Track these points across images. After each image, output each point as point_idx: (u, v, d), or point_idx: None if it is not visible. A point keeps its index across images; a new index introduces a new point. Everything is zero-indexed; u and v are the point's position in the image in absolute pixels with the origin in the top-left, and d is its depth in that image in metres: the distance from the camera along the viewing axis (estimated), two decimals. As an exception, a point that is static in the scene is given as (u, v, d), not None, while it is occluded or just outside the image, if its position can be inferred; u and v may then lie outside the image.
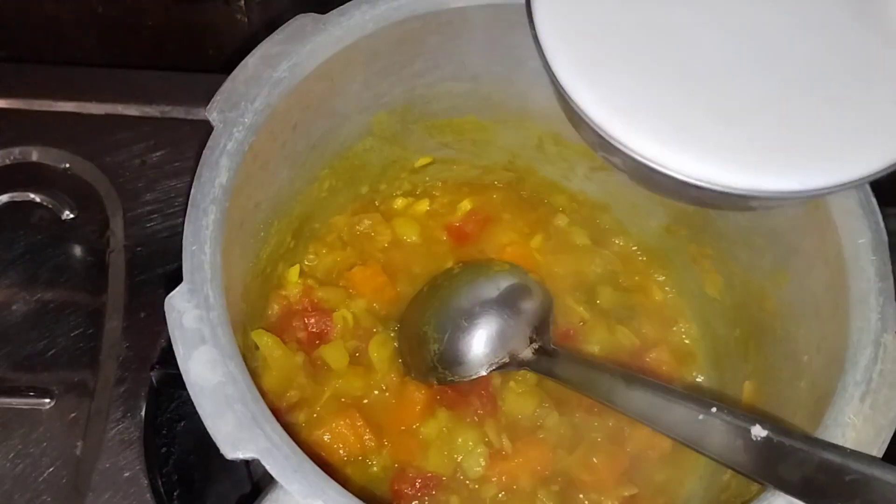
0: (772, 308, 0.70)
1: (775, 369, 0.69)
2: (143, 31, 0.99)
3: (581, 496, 0.73)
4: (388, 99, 0.74)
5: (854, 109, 0.53)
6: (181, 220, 0.58)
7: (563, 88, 0.55)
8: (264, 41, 0.64)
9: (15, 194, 0.89)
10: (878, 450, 0.54)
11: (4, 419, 0.78)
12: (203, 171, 0.59)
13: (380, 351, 0.75)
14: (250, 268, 0.70)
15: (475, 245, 0.83)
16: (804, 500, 0.51)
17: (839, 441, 0.54)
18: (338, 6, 0.66)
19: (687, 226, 0.79)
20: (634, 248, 0.84)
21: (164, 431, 0.79)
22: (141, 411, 0.78)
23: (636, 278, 0.84)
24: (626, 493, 0.73)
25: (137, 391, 0.79)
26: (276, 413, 0.69)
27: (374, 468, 0.72)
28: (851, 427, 0.55)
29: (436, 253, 0.82)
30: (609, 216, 0.85)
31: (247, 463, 0.53)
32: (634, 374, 0.65)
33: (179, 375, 0.53)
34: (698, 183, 0.51)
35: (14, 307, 0.84)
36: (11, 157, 0.90)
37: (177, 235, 0.58)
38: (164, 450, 0.78)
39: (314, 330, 0.75)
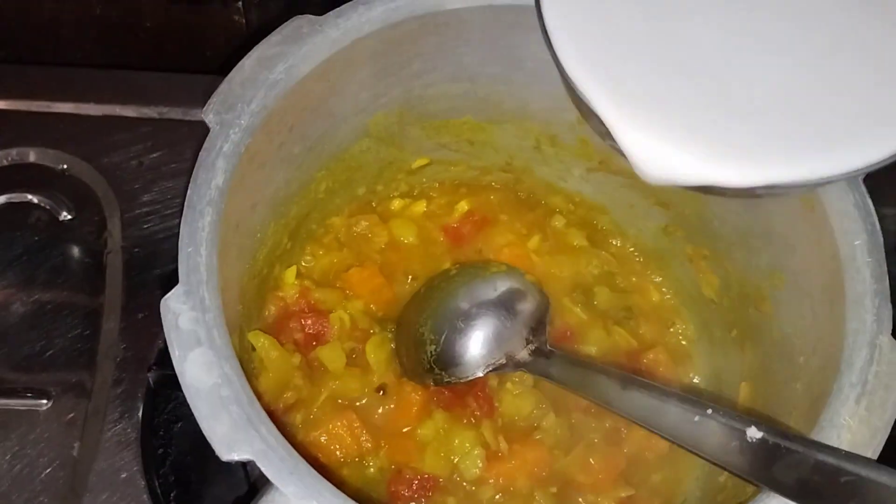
0: (768, 309, 0.70)
1: (771, 371, 0.70)
2: (141, 32, 0.98)
3: (578, 498, 0.73)
4: (386, 100, 0.74)
5: (863, 97, 0.52)
6: (179, 221, 0.58)
7: (574, 85, 0.54)
8: (260, 43, 0.64)
9: (12, 195, 0.88)
10: (873, 451, 0.54)
11: (2, 420, 0.78)
12: (199, 172, 0.59)
13: (377, 352, 0.75)
14: (247, 269, 0.70)
15: (472, 246, 0.83)
16: (799, 502, 0.51)
17: (834, 443, 0.54)
18: (335, 8, 0.66)
19: (684, 227, 0.79)
20: (631, 249, 0.85)
21: (161, 432, 0.79)
22: (138, 412, 0.78)
23: (633, 279, 0.84)
24: (623, 495, 0.73)
25: (135, 392, 0.79)
26: (273, 414, 0.69)
27: (371, 469, 0.72)
28: (847, 429, 0.55)
29: (433, 254, 0.82)
30: (606, 217, 0.85)
31: (244, 464, 0.53)
32: (630, 376, 0.65)
33: (176, 376, 0.53)
34: (718, 183, 0.51)
35: (11, 308, 0.84)
36: (9, 158, 0.90)
37: (174, 237, 0.58)
38: (160, 451, 0.78)
39: (311, 331, 0.75)
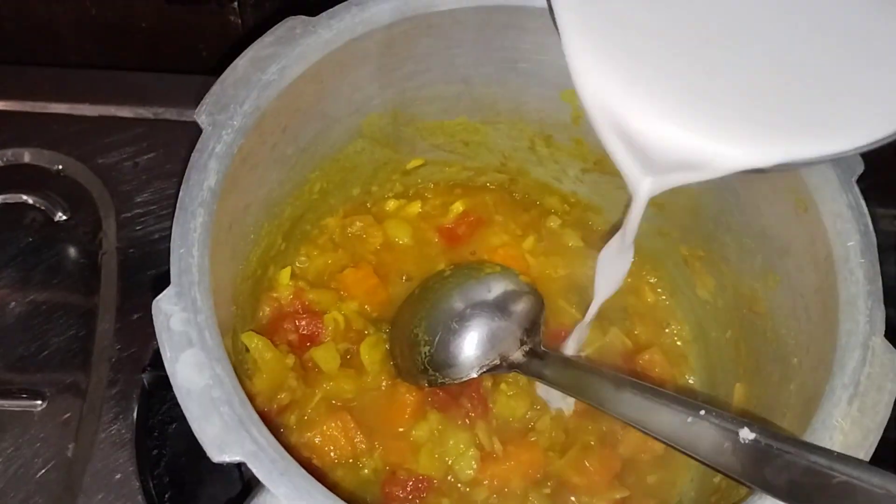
0: (762, 310, 0.70)
1: (765, 372, 0.69)
2: (136, 32, 0.99)
3: (572, 498, 0.72)
4: (379, 101, 0.74)
5: (863, 76, 0.52)
6: (173, 221, 0.58)
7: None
8: (253, 44, 0.64)
9: (7, 196, 0.89)
10: (865, 453, 0.54)
11: (-3, 421, 0.78)
12: (191, 173, 0.59)
13: (371, 353, 0.75)
14: (240, 270, 0.70)
15: (467, 247, 0.83)
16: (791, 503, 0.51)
17: (827, 444, 0.54)
18: (329, 9, 0.66)
19: (678, 228, 0.79)
20: (628, 250, 0.84)
21: (156, 433, 0.78)
22: (133, 413, 0.78)
23: (628, 280, 0.83)
24: (618, 496, 0.73)
25: (129, 393, 0.79)
26: (267, 415, 0.69)
27: (365, 471, 0.72)
28: (839, 430, 0.55)
29: (428, 255, 0.82)
30: (601, 218, 0.85)
31: (238, 465, 0.53)
32: (624, 377, 0.65)
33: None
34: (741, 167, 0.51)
35: (6, 309, 0.84)
36: (4, 159, 0.90)
37: (170, 237, 0.58)
38: (155, 451, 0.78)
39: (305, 332, 0.75)
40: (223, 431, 0.52)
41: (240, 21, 0.97)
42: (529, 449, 0.74)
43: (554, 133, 0.79)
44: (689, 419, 0.58)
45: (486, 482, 0.72)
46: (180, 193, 0.58)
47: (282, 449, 0.53)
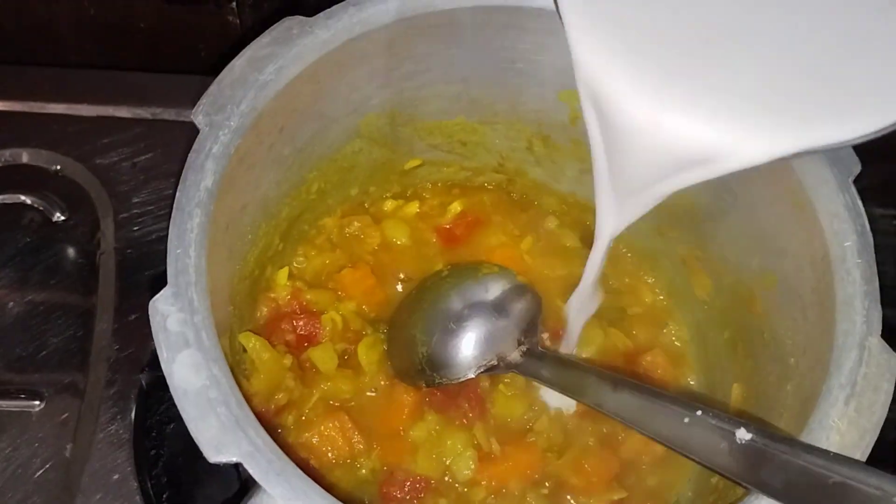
0: (760, 310, 0.70)
1: (763, 372, 0.69)
2: (135, 33, 0.98)
3: (570, 499, 0.72)
4: (377, 101, 0.74)
5: (874, 60, 0.51)
6: (171, 222, 0.58)
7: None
8: (251, 44, 0.64)
9: (5, 196, 0.89)
10: (861, 453, 0.54)
11: (-6, 421, 0.78)
12: (188, 174, 0.59)
13: (369, 353, 0.75)
14: (238, 270, 0.70)
15: (465, 247, 0.83)
16: (787, 504, 0.51)
17: (823, 444, 0.54)
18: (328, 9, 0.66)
19: (676, 227, 0.78)
20: (624, 249, 0.84)
21: (154, 433, 0.78)
22: (131, 413, 0.78)
23: (626, 280, 0.84)
24: (616, 497, 0.73)
25: (127, 393, 0.79)
26: (265, 416, 0.69)
27: (363, 471, 0.72)
28: (836, 430, 0.55)
29: (425, 255, 0.82)
30: (599, 218, 0.85)
31: (236, 465, 0.54)
32: (622, 377, 0.65)
33: (168, 378, 0.53)
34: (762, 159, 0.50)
35: (4, 309, 0.84)
36: (2, 160, 0.90)
37: (167, 238, 0.58)
38: (153, 452, 0.78)
39: (303, 332, 0.75)
40: (220, 432, 0.52)
41: (238, 21, 0.97)
42: (527, 449, 0.74)
43: (552, 133, 0.79)
44: (686, 419, 0.58)
45: (484, 483, 0.72)
46: (177, 194, 0.59)
47: (278, 449, 0.53)
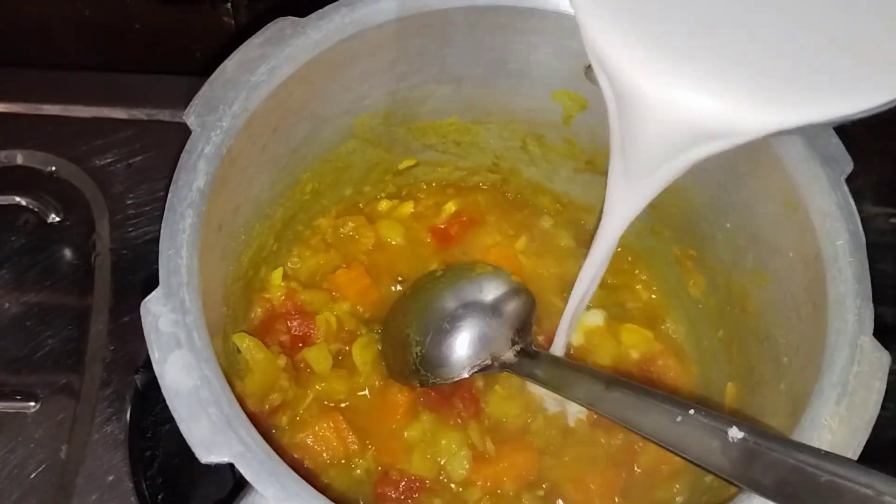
0: (753, 309, 0.70)
1: (757, 371, 0.70)
2: (130, 34, 0.98)
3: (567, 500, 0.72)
4: (370, 101, 0.74)
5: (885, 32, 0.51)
6: (165, 223, 0.58)
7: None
8: (243, 45, 0.64)
9: (0, 198, 0.89)
10: (853, 452, 0.54)
11: (-9, 423, 0.78)
12: (180, 175, 0.59)
13: (363, 354, 0.75)
14: (231, 271, 0.70)
15: (460, 247, 0.83)
16: (779, 503, 0.51)
17: (815, 443, 0.54)
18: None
19: (670, 227, 0.79)
20: (619, 249, 0.83)
21: (149, 434, 0.79)
22: (126, 414, 0.78)
23: (621, 279, 0.84)
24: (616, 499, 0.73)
25: (123, 394, 0.79)
26: (259, 416, 0.69)
27: (358, 471, 0.72)
28: (827, 429, 0.55)
29: (420, 255, 0.82)
30: (593, 217, 0.85)
31: (232, 466, 0.54)
32: (614, 377, 0.65)
33: (165, 379, 0.53)
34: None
35: (0, 310, 0.84)
36: (-3, 161, 0.90)
37: (160, 239, 0.58)
38: (148, 453, 0.78)
39: (297, 333, 0.75)
40: (211, 432, 0.52)
41: (233, 22, 0.97)
42: (523, 450, 0.74)
43: (545, 133, 0.79)
44: (679, 418, 0.58)
45: (478, 483, 0.72)
46: (169, 195, 0.59)
47: (270, 449, 0.53)
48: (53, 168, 0.90)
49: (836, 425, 0.55)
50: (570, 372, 0.70)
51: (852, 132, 0.69)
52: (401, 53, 0.71)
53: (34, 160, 0.90)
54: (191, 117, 0.62)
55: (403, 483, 0.71)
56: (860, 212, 0.62)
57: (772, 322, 0.68)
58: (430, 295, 0.76)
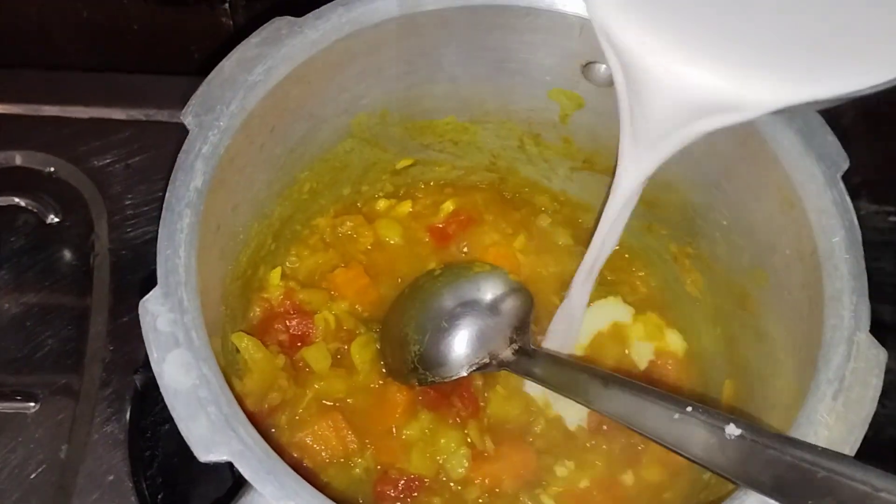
0: (751, 307, 0.70)
1: (754, 368, 0.70)
2: (128, 34, 0.98)
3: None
4: (367, 101, 0.74)
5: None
6: (164, 223, 0.58)
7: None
8: (240, 45, 0.65)
9: (-1, 199, 0.89)
10: (850, 448, 0.54)
11: (-9, 423, 0.78)
12: (177, 175, 0.59)
13: (362, 353, 0.75)
14: (230, 270, 0.70)
15: (458, 246, 0.83)
16: (775, 499, 0.51)
17: (812, 440, 0.54)
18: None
19: (668, 225, 0.79)
20: (616, 247, 0.84)
21: (149, 434, 0.79)
22: (126, 414, 0.78)
23: (619, 276, 0.84)
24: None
25: (122, 394, 0.79)
26: (258, 416, 0.70)
27: (357, 470, 0.72)
28: (824, 425, 0.55)
29: (418, 254, 0.82)
30: (591, 216, 0.85)
31: (231, 466, 0.54)
32: (612, 374, 0.65)
33: (164, 378, 0.53)
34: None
35: None
36: (-4, 162, 0.90)
37: (159, 239, 0.58)
38: (148, 452, 0.78)
39: (296, 332, 0.75)
40: (210, 431, 0.52)
41: (231, 22, 0.97)
42: (522, 449, 0.74)
43: (542, 132, 0.79)
44: (676, 416, 0.58)
45: (477, 481, 0.72)
46: (167, 194, 0.59)
47: (269, 448, 0.53)
48: (52, 169, 0.90)
49: (832, 422, 0.55)
50: (568, 370, 0.70)
51: (851, 131, 0.69)
52: (398, 53, 0.71)
53: (33, 161, 0.90)
54: (188, 117, 0.62)
55: (402, 482, 0.71)
56: (858, 210, 0.62)
57: (769, 319, 0.68)
58: (428, 294, 0.76)
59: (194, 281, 0.57)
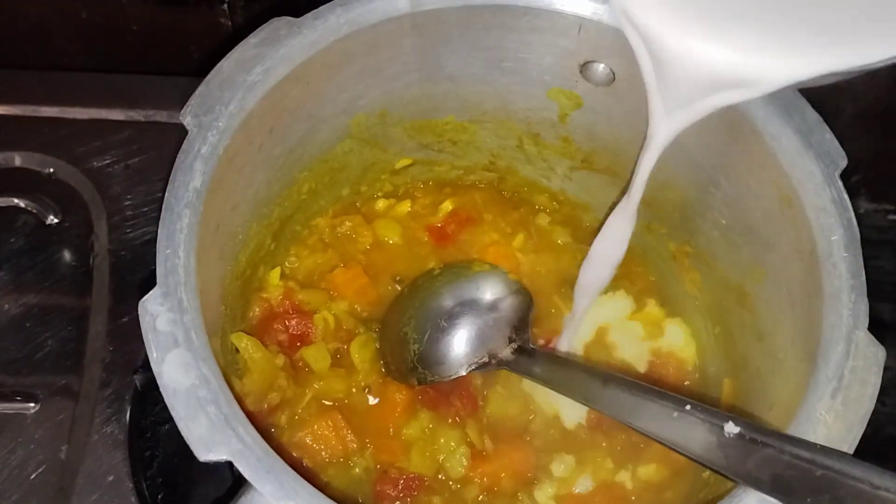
0: (749, 305, 0.70)
1: (753, 366, 0.70)
2: (127, 35, 0.99)
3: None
4: (366, 101, 0.74)
5: None
6: (163, 224, 0.58)
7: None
8: (238, 45, 0.65)
9: (-1, 200, 0.89)
10: (849, 446, 0.54)
11: (-10, 424, 0.78)
12: (177, 175, 0.59)
13: (361, 352, 0.76)
14: (229, 270, 0.70)
15: (457, 246, 0.83)
16: (774, 497, 0.52)
17: (811, 437, 0.54)
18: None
19: (667, 224, 0.79)
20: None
21: (149, 434, 0.79)
22: (125, 415, 0.78)
23: (620, 272, 0.84)
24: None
25: (122, 394, 0.79)
26: (258, 415, 0.70)
27: (357, 469, 0.72)
28: (823, 423, 0.55)
29: (418, 254, 0.82)
30: (590, 215, 0.85)
31: (231, 465, 0.54)
32: (611, 373, 0.65)
33: (164, 379, 0.53)
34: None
35: (-1, 311, 0.84)
36: (-5, 163, 0.90)
37: (158, 239, 0.58)
38: (148, 453, 0.78)
39: (295, 332, 0.75)
40: (209, 431, 0.52)
41: (230, 23, 0.97)
42: (521, 448, 0.74)
43: (541, 131, 0.79)
44: (675, 414, 0.58)
45: (477, 480, 0.72)
46: (166, 195, 0.59)
47: (268, 447, 0.53)
48: (51, 170, 0.90)
49: (831, 420, 0.55)
50: (567, 369, 0.70)
51: (849, 129, 0.69)
52: (396, 53, 0.71)
53: (32, 162, 0.90)
54: (187, 117, 0.62)
55: (402, 481, 0.71)
56: (857, 208, 0.62)
57: (768, 317, 0.68)
58: (427, 293, 0.76)
59: (194, 281, 0.57)
